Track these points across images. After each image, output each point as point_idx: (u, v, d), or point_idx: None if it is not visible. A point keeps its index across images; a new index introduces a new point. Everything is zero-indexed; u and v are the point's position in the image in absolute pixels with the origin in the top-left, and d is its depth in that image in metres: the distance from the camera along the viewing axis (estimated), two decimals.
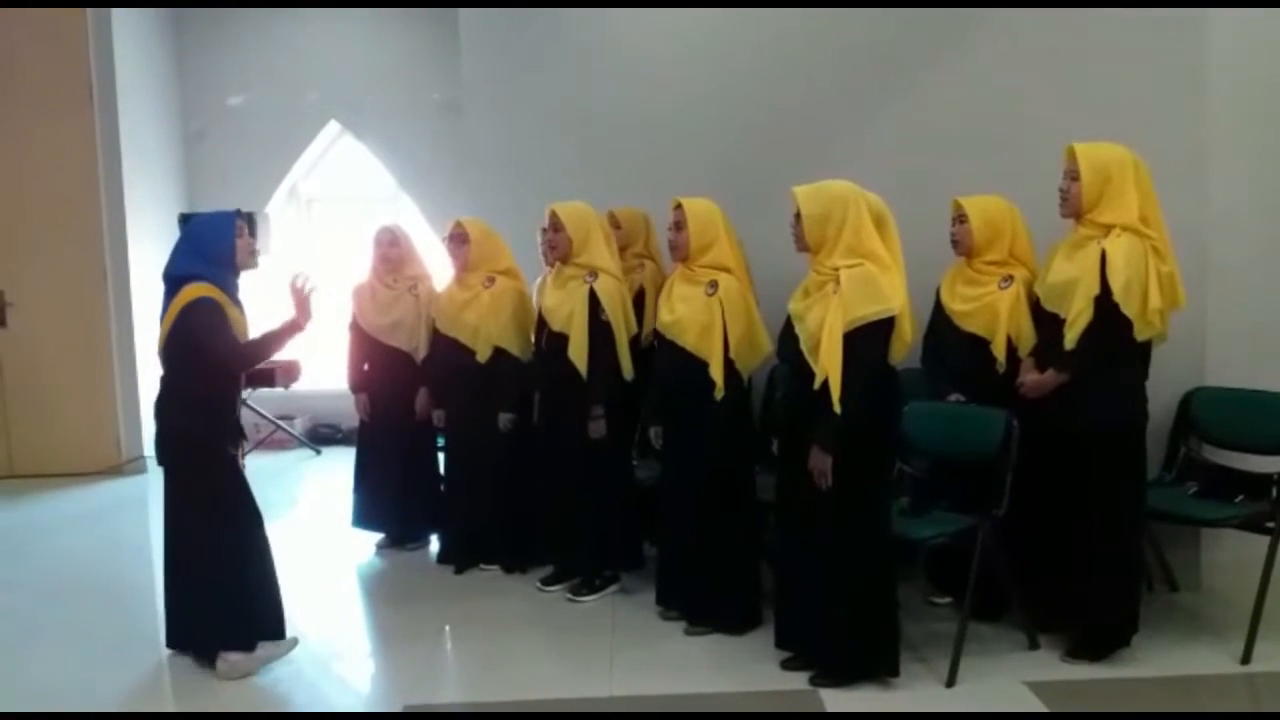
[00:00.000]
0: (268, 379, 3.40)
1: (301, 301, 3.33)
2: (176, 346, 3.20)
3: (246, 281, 3.37)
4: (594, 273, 3.82)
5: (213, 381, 3.25)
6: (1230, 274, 3.69)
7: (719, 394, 3.37)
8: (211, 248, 3.26)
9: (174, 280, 3.24)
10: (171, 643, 3.42)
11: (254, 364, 3.36)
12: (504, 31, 4.81)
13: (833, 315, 2.91)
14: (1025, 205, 3.46)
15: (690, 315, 3.43)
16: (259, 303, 3.52)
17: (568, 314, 3.80)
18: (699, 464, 3.49)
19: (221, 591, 3.26)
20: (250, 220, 3.37)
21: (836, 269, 2.97)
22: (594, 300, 3.78)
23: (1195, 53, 3.64)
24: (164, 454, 3.29)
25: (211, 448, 3.27)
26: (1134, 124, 3.50)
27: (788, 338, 3.11)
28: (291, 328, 3.35)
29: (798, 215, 3.07)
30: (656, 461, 3.78)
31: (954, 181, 3.62)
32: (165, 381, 3.29)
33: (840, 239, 3.00)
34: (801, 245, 3.10)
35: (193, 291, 3.17)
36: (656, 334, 3.61)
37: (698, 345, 3.41)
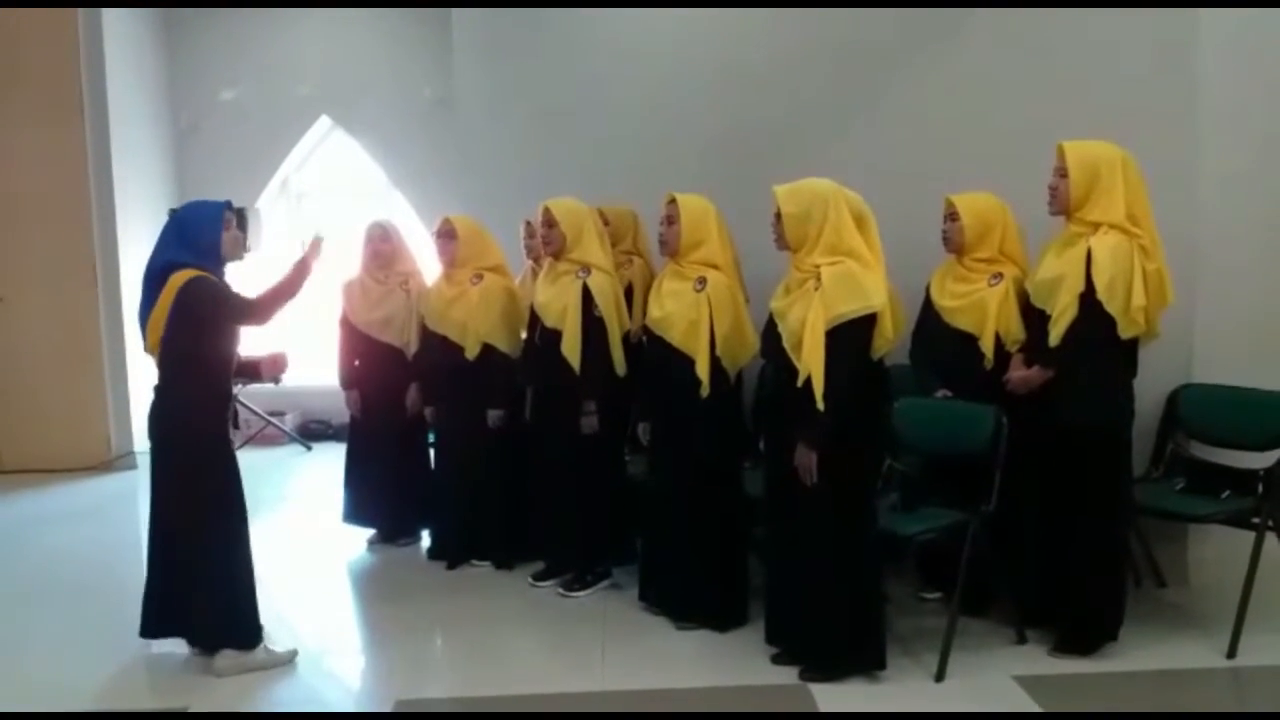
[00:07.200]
0: (253, 373, 3.34)
1: (314, 244, 3.40)
2: (177, 332, 3.12)
3: (235, 276, 3.34)
4: (587, 268, 3.82)
5: (213, 367, 3.20)
6: (1219, 272, 3.70)
7: (704, 391, 3.38)
8: (198, 237, 3.20)
9: (160, 270, 3.15)
10: (149, 632, 3.34)
11: (273, 312, 3.29)
12: (496, 29, 4.80)
13: (814, 313, 2.91)
14: (1019, 203, 3.46)
15: (678, 311, 3.43)
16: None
17: (561, 310, 3.80)
18: (685, 460, 3.50)
19: (228, 587, 3.24)
20: (241, 215, 3.33)
21: (818, 267, 2.98)
22: (587, 296, 3.78)
23: (1186, 50, 3.65)
24: (166, 449, 3.21)
25: (216, 439, 3.23)
26: (1125, 121, 3.50)
27: (770, 336, 3.12)
28: (301, 268, 3.35)
29: (778, 214, 3.08)
30: (646, 457, 3.78)
31: (947, 179, 3.62)
32: (165, 377, 3.21)
33: (821, 237, 3.00)
34: (782, 244, 3.11)
35: (184, 275, 3.12)
36: (645, 330, 3.62)
37: (684, 341, 3.42)
